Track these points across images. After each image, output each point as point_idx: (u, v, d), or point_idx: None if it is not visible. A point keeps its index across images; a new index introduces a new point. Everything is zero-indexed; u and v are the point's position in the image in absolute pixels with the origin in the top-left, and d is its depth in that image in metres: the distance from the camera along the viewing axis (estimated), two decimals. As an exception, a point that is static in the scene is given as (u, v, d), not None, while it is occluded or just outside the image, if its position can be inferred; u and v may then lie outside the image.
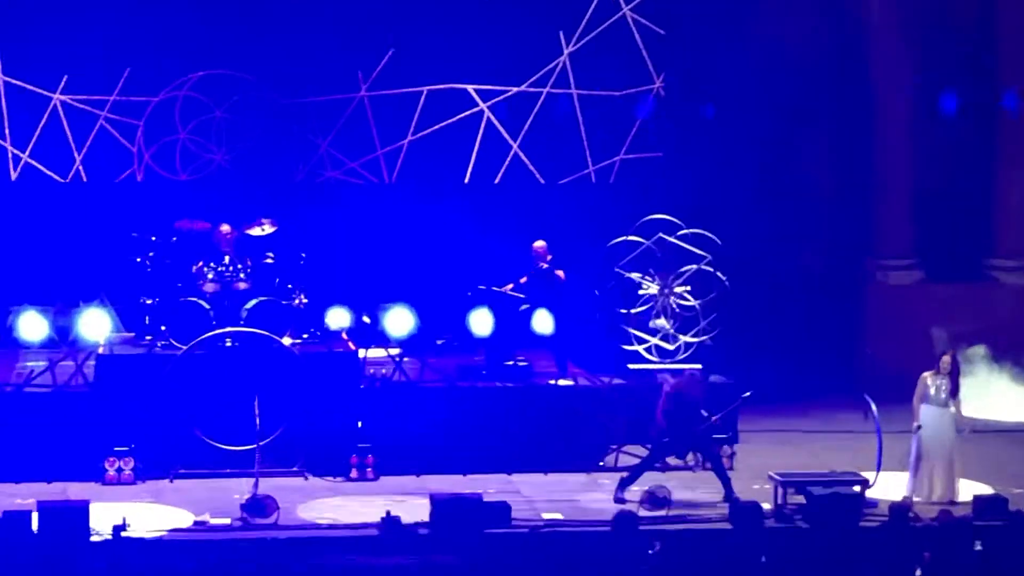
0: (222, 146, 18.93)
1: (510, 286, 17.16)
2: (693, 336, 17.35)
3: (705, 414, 15.13)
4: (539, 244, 17.33)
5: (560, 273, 17.00)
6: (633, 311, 17.34)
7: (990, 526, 12.79)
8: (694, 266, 17.39)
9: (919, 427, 15.12)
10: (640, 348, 17.28)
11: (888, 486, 15.18)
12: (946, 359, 15.25)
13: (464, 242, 18.94)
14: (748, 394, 16.01)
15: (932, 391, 15.20)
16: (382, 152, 19.24)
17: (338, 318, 16.83)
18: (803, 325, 20.70)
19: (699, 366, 16.26)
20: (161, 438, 15.63)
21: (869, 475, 14.96)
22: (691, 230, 17.46)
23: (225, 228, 16.92)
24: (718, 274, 17.43)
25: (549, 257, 17.18)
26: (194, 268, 16.70)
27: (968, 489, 15.05)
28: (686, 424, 15.00)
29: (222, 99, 18.85)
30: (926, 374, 15.29)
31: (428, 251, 19.01)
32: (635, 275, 17.33)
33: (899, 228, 21.02)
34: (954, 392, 15.17)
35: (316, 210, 18.89)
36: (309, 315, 16.71)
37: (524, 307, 16.97)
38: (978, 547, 12.22)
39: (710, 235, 17.48)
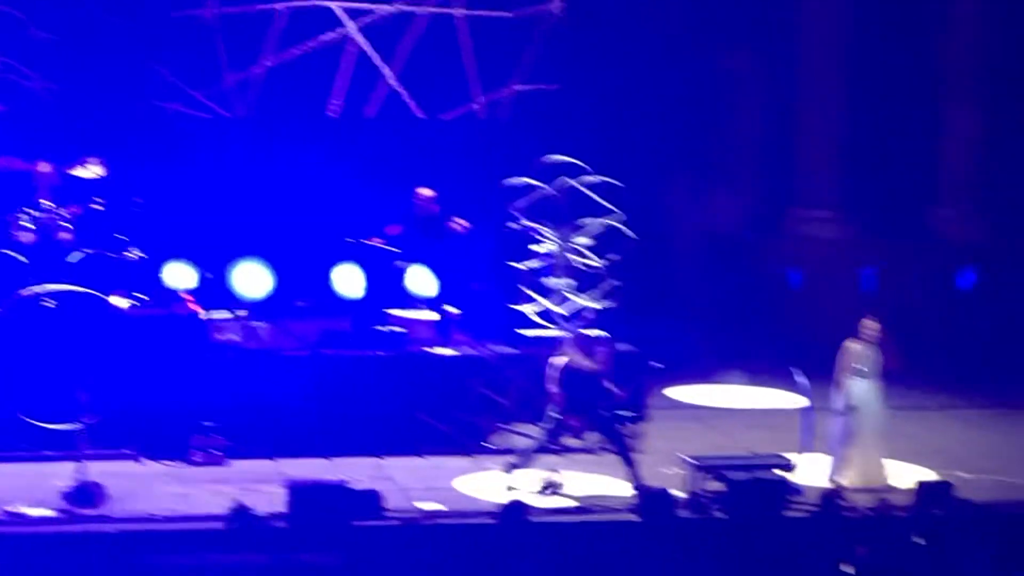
0: (40, 71, 18.66)
1: (378, 239, 17.14)
2: (593, 299, 17.40)
3: (608, 387, 15.21)
4: (425, 192, 17.31)
5: (461, 223, 16.95)
6: (525, 265, 17.35)
7: (935, 516, 13.01)
8: (600, 220, 17.41)
9: (853, 407, 15.32)
10: (528, 309, 17.28)
11: (816, 470, 15.39)
12: (873, 324, 15.46)
13: (329, 187, 18.84)
14: (658, 365, 16.08)
15: (860, 363, 15.41)
16: (232, 80, 19.08)
17: (179, 275, 16.71)
18: (721, 287, 20.90)
19: (604, 333, 16.32)
20: (-34, 415, 15.44)
21: (795, 457, 15.15)
22: (598, 177, 17.48)
23: (44, 167, 16.73)
24: (624, 229, 17.48)
25: (437, 209, 17.16)
26: (7, 215, 16.45)
27: (902, 472, 15.31)
28: (585, 399, 15.07)
29: (39, 15, 18.56)
30: (850, 343, 15.49)
31: (286, 197, 18.87)
32: (528, 222, 17.32)
33: (828, 178, 21.27)
34: (887, 363, 15.41)
35: (152, 148, 18.68)
36: (144, 271, 16.59)
37: (400, 263, 16.96)
38: (919, 541, 12.44)
39: (618, 183, 17.51)
